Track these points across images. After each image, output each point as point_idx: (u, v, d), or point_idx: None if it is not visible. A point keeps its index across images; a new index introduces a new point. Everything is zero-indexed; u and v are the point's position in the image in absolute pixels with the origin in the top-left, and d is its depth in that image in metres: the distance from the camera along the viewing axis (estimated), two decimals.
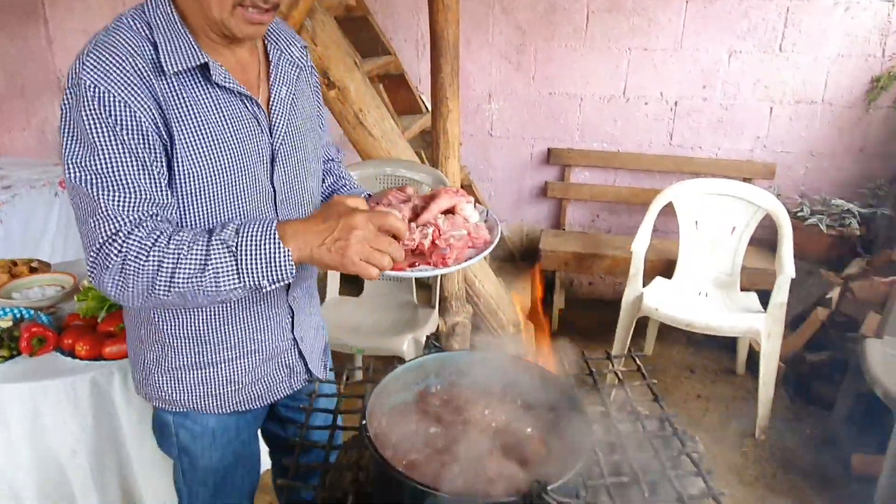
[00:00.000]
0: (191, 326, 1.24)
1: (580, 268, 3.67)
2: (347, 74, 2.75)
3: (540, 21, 3.64)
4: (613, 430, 1.33)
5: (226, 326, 1.26)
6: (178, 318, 1.23)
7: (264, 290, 1.05)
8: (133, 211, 1.05)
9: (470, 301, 3.17)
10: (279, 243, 1.02)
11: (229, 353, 1.29)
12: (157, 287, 1.03)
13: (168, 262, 1.02)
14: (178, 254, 1.02)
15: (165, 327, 1.24)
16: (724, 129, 3.69)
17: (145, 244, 1.03)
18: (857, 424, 2.90)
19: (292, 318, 1.36)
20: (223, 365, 1.29)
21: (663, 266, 3.41)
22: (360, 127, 2.85)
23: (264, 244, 1.03)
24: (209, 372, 1.28)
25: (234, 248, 1.02)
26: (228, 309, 1.25)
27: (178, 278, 1.02)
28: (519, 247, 4.12)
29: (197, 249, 1.03)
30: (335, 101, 2.78)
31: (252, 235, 1.03)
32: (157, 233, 1.05)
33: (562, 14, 3.61)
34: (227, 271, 1.03)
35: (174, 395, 1.29)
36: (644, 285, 3.12)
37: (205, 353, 1.27)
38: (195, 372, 1.28)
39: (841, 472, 2.70)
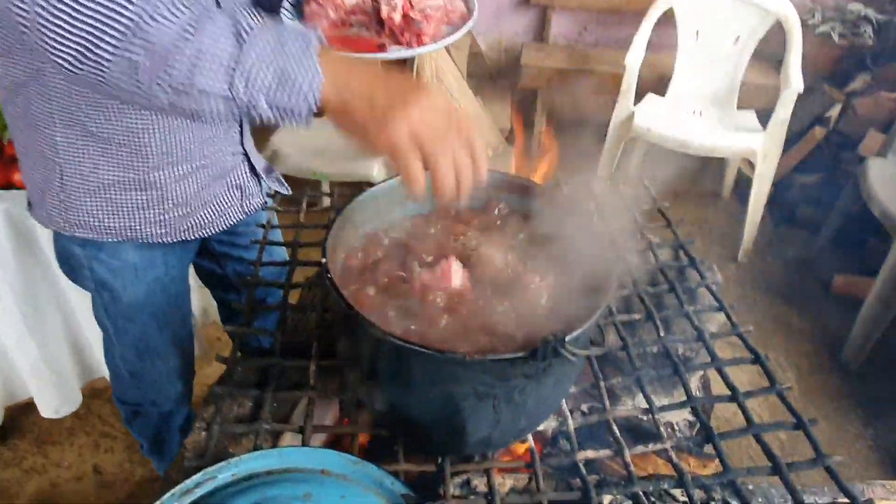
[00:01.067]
0: (129, 131, 0.96)
1: (564, 85, 3.34)
2: None
3: None
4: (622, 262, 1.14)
5: (170, 136, 1.00)
6: (101, 117, 0.93)
7: (252, 119, 0.69)
8: None
9: None
10: (312, 57, 0.66)
11: (177, 168, 1.04)
12: (105, 39, 0.63)
13: (133, 7, 0.62)
14: (153, 3, 0.63)
15: (84, 127, 0.94)
16: None
17: None
18: (843, 247, 2.84)
19: (241, 127, 1.11)
20: (170, 184, 1.05)
21: (655, 83, 3.10)
22: None
23: (290, 47, 0.66)
24: (156, 193, 1.04)
25: (244, 32, 0.65)
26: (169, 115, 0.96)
27: (138, 35, 0.62)
28: (497, 63, 3.73)
29: (184, 9, 0.64)
30: None
31: (279, 32, 0.67)
32: None
33: None
34: (218, 56, 0.64)
35: (112, 222, 1.04)
36: (635, 104, 2.85)
37: (151, 166, 1.01)
38: (138, 193, 1.03)
39: (822, 292, 2.68)
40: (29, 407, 1.88)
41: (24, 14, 0.64)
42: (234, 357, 0.93)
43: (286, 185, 1.30)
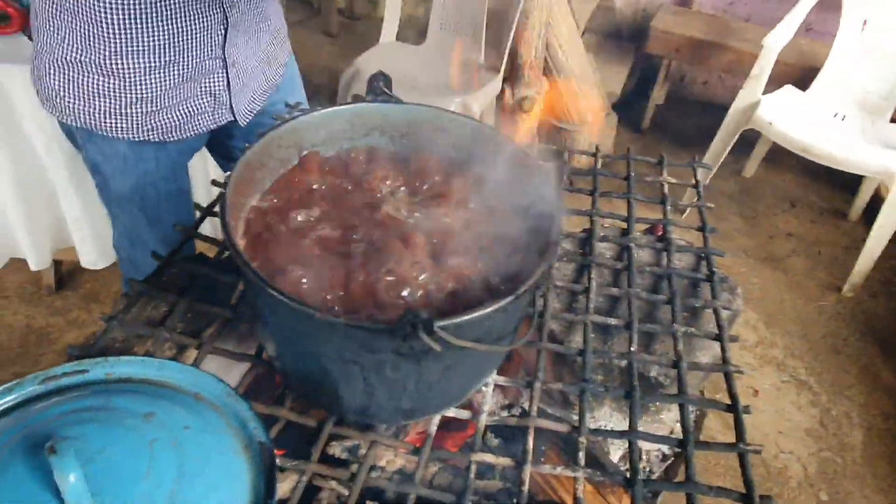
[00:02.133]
0: (95, 9, 0.92)
1: (695, 58, 2.99)
2: None
3: None
4: (626, 254, 0.98)
5: (138, 18, 0.94)
6: None
7: None
8: None
9: (548, 74, 2.68)
10: None
11: (143, 59, 0.99)
12: None
13: None
14: None
15: (68, 4, 0.93)
16: None
17: None
18: None
19: (225, 31, 1.03)
20: (134, 75, 1.00)
21: (800, 74, 2.70)
22: None
23: None
24: (118, 82, 1.00)
25: None
26: None
27: None
28: (630, 22, 3.41)
29: None
30: None
31: None
32: None
33: None
34: None
35: (70, 103, 1.03)
36: (767, 93, 2.49)
37: (109, 49, 0.97)
38: (100, 78, 1.00)
39: None
40: (82, 268, 2.02)
41: None
42: (171, 257, 0.90)
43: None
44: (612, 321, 0.88)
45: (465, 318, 0.57)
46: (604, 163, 1.15)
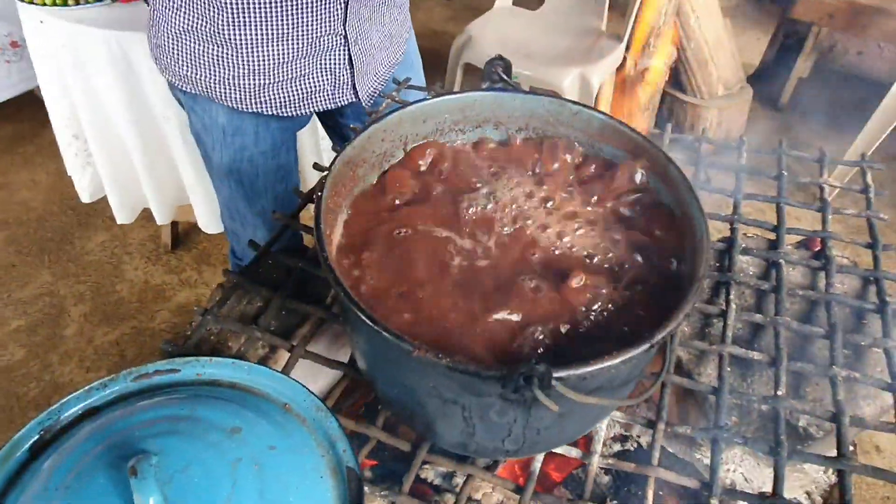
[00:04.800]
0: None
1: (852, 25, 2.62)
2: None
3: None
4: (774, 272, 0.84)
5: None
6: None
7: None
8: None
9: (677, 43, 2.44)
10: None
11: (257, 30, 0.95)
12: None
13: None
14: None
15: None
16: None
17: None
18: None
19: (346, 4, 0.96)
20: (247, 45, 0.96)
21: None
22: None
23: None
24: (228, 50, 0.97)
25: None
26: None
27: None
28: None
29: None
30: None
31: None
32: None
33: None
34: None
35: (181, 68, 1.01)
36: None
37: (223, 18, 0.93)
38: (214, 48, 0.97)
39: None
40: (199, 228, 2.08)
41: None
42: (269, 247, 0.86)
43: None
44: (755, 356, 0.74)
45: (590, 368, 0.48)
46: (749, 155, 0.99)
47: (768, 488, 0.81)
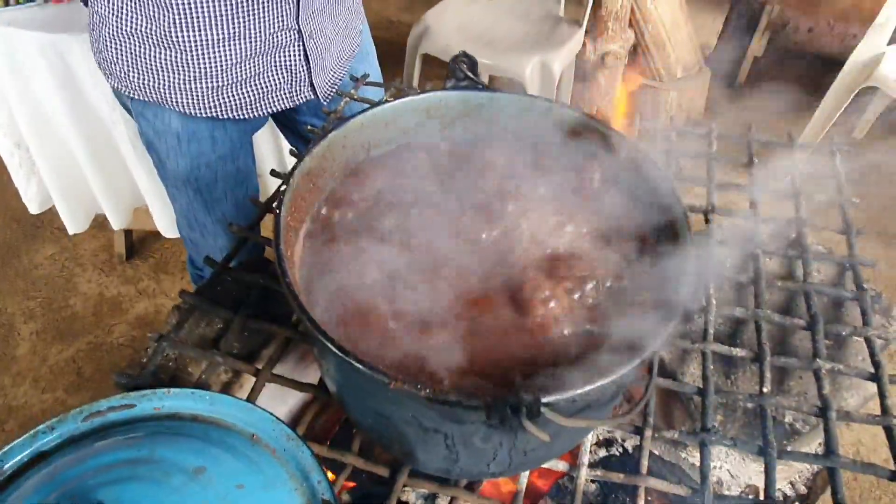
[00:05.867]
0: None
1: (804, 3, 2.66)
2: None
3: None
4: (752, 264, 0.82)
5: None
6: None
7: None
8: None
9: (634, 26, 2.43)
10: None
11: (206, 30, 0.89)
12: None
13: None
14: None
15: None
16: None
17: None
18: None
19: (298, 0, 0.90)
20: (197, 47, 0.90)
21: None
22: None
23: None
24: (176, 53, 0.90)
25: None
26: None
27: None
28: None
29: None
30: None
31: None
32: None
33: None
34: None
35: (129, 74, 0.94)
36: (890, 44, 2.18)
37: (170, 19, 0.87)
38: (162, 51, 0.90)
39: None
40: (155, 236, 1.99)
41: None
42: (227, 263, 0.80)
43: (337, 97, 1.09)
44: (738, 352, 0.73)
45: (580, 391, 0.45)
46: (718, 140, 0.97)
47: (755, 482, 0.80)
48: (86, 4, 1.44)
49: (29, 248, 2.19)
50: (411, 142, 0.68)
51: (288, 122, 1.22)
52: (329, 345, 0.46)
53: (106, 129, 1.59)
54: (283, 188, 0.58)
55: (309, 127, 1.01)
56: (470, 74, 0.68)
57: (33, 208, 1.80)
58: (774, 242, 0.87)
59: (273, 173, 0.96)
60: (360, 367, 0.45)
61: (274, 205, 0.86)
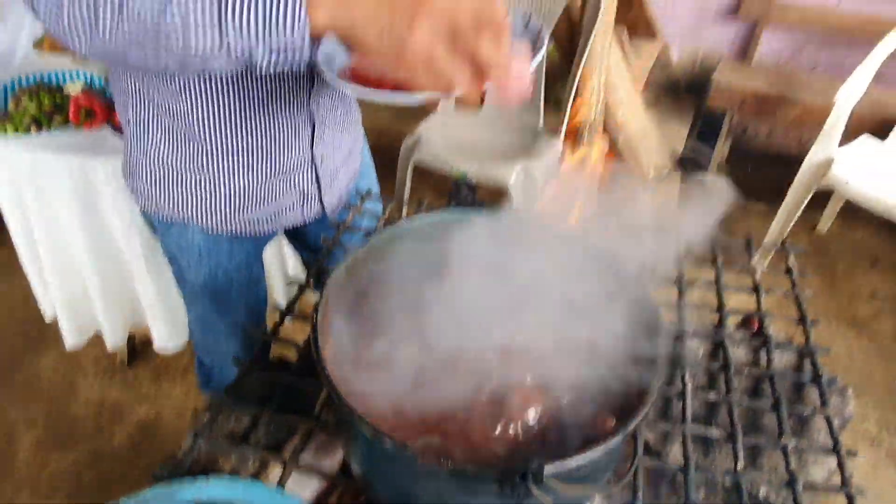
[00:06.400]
0: (181, 109, 0.95)
1: (760, 113, 2.92)
2: None
3: None
4: (722, 353, 0.92)
5: (224, 123, 0.96)
6: (166, 93, 0.94)
7: (262, 69, 0.67)
8: None
9: (608, 134, 2.66)
10: None
11: (234, 160, 1.02)
12: (101, 24, 0.67)
13: None
14: None
15: (150, 101, 0.96)
16: None
17: None
18: None
19: (313, 130, 1.05)
20: (222, 174, 1.02)
21: (875, 124, 2.60)
22: None
23: None
24: (204, 180, 1.03)
25: None
26: (228, 100, 0.94)
27: (128, 13, 0.65)
28: (688, 77, 3.38)
29: None
30: None
31: None
32: None
33: None
34: (203, 17, 0.64)
35: (158, 197, 1.06)
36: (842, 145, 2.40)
37: (200, 150, 1.00)
38: (192, 177, 1.03)
39: None
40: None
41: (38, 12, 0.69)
42: (250, 361, 0.89)
43: (350, 207, 1.22)
44: (714, 432, 0.81)
45: (578, 459, 0.54)
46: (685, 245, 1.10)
47: None
48: (114, 129, 1.60)
49: (32, 354, 2.24)
50: (428, 252, 0.80)
51: (297, 234, 1.33)
52: (365, 426, 0.55)
53: (117, 249, 1.70)
54: (314, 295, 0.69)
55: (322, 237, 1.12)
56: (470, 193, 0.80)
57: (49, 315, 1.88)
58: (740, 332, 0.97)
59: (290, 281, 1.06)
60: (394, 444, 0.54)
61: (293, 309, 0.96)
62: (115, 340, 1.91)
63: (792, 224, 2.46)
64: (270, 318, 1.60)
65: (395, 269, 0.78)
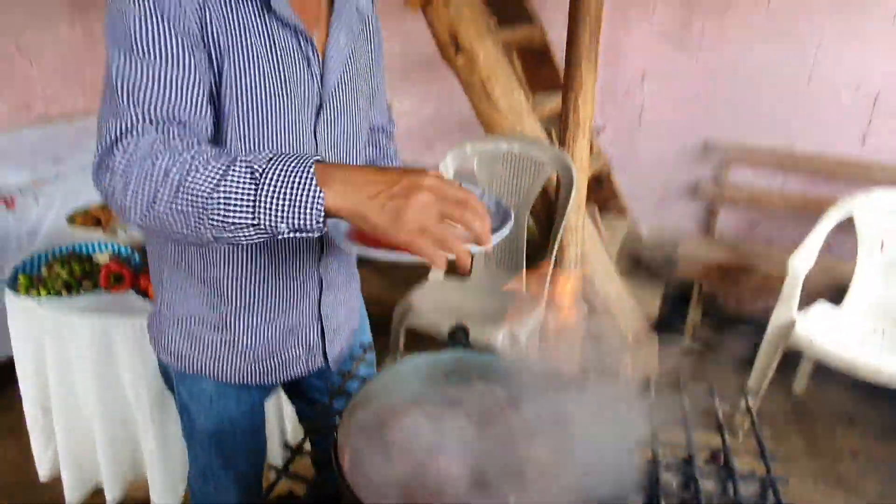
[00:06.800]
0: (211, 273, 1.11)
1: (724, 281, 3.18)
2: (477, 40, 2.55)
3: None
4: (692, 485, 1.01)
5: (247, 285, 1.13)
6: (199, 261, 1.11)
7: (281, 238, 0.82)
8: (156, 109, 0.88)
9: (586, 299, 2.86)
10: (312, 181, 0.79)
11: (249, 318, 1.16)
12: (158, 199, 0.82)
13: (177, 172, 0.81)
14: (193, 165, 0.81)
15: (185, 266, 1.12)
16: None
17: (158, 147, 0.84)
18: None
19: (321, 290, 1.21)
20: (240, 330, 1.16)
21: (831, 291, 2.83)
22: (486, 98, 2.64)
23: (295, 177, 0.79)
24: (223, 335, 1.16)
25: (258, 175, 0.79)
26: (252, 266, 1.11)
27: (183, 193, 0.80)
28: (657, 250, 3.68)
29: (215, 165, 0.81)
30: (462, 68, 2.60)
31: (285, 165, 0.80)
32: (176, 139, 0.87)
33: None
34: (242, 199, 0.79)
35: (179, 350, 1.19)
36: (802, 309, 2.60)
37: (221, 310, 1.14)
38: (215, 333, 1.17)
39: None
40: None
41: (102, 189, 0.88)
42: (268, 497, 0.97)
43: (351, 358, 1.37)
44: None
45: None
46: (657, 389, 1.23)
47: None
48: (138, 293, 1.75)
49: None
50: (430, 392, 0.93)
51: (296, 387, 1.42)
52: None
53: (124, 401, 1.78)
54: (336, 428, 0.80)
55: (330, 383, 1.24)
56: (466, 341, 0.95)
57: (43, 474, 1.90)
58: (709, 466, 1.07)
59: (286, 446, 1.15)
60: None
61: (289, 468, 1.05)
62: (114, 495, 1.91)
63: (767, 382, 2.58)
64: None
65: (403, 398, 0.90)
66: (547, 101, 3.14)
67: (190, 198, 0.81)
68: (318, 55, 1.06)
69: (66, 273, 1.77)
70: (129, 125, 0.86)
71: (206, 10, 0.93)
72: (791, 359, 2.72)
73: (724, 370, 3.01)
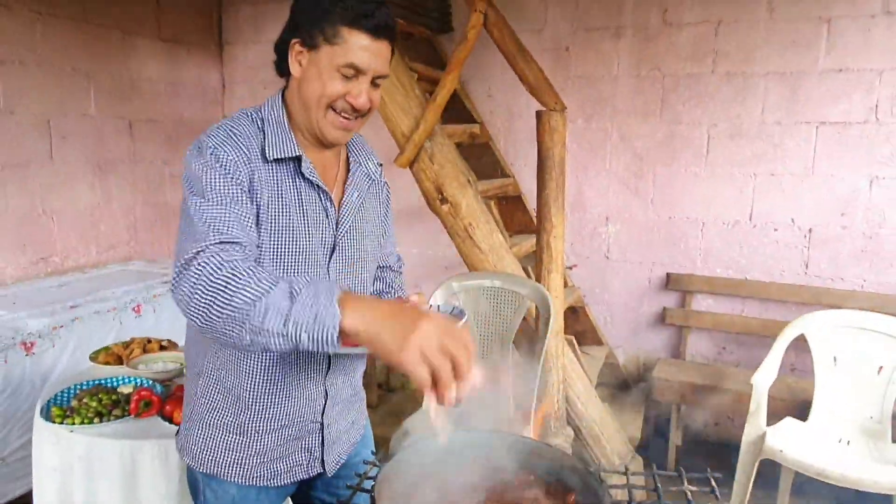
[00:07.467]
0: (236, 384, 1.33)
1: (698, 401, 3.37)
2: (459, 191, 2.95)
3: (658, 147, 3.68)
4: None
5: (264, 396, 1.34)
6: (229, 375, 1.33)
7: (302, 348, 1.02)
8: (225, 232, 1.13)
9: (571, 423, 3.02)
10: (334, 304, 0.98)
11: (264, 423, 1.36)
12: (216, 304, 1.03)
13: (235, 283, 1.02)
14: (249, 280, 1.02)
15: (217, 378, 1.34)
16: (869, 260, 3.36)
17: (225, 260, 1.06)
18: None
19: (325, 401, 1.42)
20: (256, 435, 1.36)
21: (798, 407, 3.04)
22: (469, 240, 2.99)
23: (321, 299, 0.99)
24: (247, 440, 1.36)
25: (296, 293, 1.00)
26: (269, 378, 1.34)
27: (237, 300, 1.01)
28: (634, 375, 3.91)
29: (265, 281, 1.02)
30: (447, 215, 2.97)
31: (317, 289, 1.00)
32: (240, 256, 1.10)
33: (681, 141, 3.63)
34: (278, 310, 0.99)
35: (205, 454, 1.37)
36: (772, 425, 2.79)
37: (241, 417, 1.35)
38: (235, 437, 1.36)
39: None
40: None
41: (178, 298, 1.09)
42: None
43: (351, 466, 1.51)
44: None
45: None
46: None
47: None
48: (164, 419, 1.92)
49: None
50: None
51: (304, 497, 1.57)
52: None
53: None
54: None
55: (338, 497, 1.40)
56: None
57: None
58: None
59: None
60: None
61: None
62: None
63: (748, 495, 2.70)
64: None
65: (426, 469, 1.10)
66: (523, 241, 3.52)
67: (240, 304, 1.01)
68: (334, 207, 1.36)
69: (96, 403, 1.94)
70: (203, 245, 1.09)
71: (255, 171, 1.25)
72: (772, 475, 2.85)
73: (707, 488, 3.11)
